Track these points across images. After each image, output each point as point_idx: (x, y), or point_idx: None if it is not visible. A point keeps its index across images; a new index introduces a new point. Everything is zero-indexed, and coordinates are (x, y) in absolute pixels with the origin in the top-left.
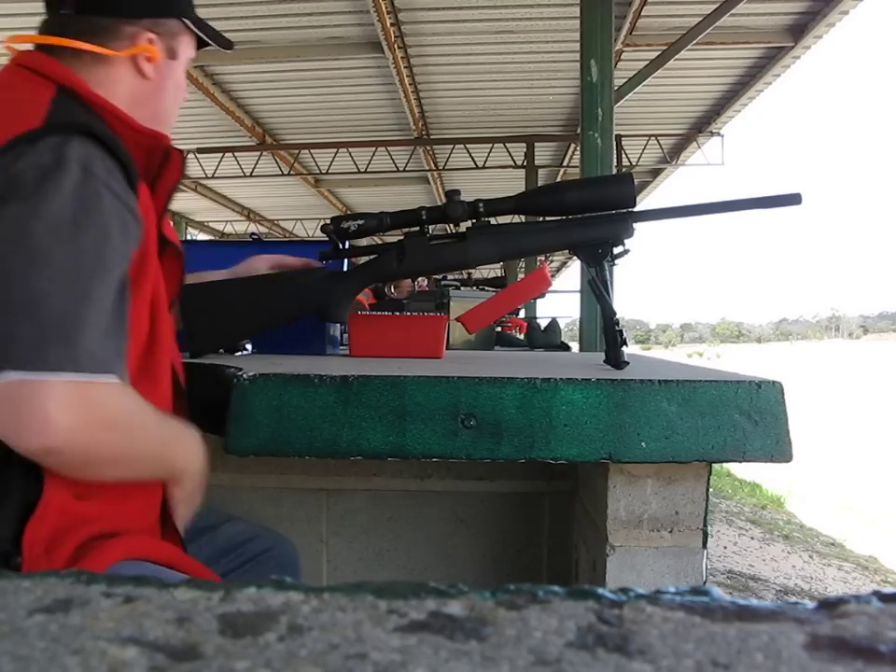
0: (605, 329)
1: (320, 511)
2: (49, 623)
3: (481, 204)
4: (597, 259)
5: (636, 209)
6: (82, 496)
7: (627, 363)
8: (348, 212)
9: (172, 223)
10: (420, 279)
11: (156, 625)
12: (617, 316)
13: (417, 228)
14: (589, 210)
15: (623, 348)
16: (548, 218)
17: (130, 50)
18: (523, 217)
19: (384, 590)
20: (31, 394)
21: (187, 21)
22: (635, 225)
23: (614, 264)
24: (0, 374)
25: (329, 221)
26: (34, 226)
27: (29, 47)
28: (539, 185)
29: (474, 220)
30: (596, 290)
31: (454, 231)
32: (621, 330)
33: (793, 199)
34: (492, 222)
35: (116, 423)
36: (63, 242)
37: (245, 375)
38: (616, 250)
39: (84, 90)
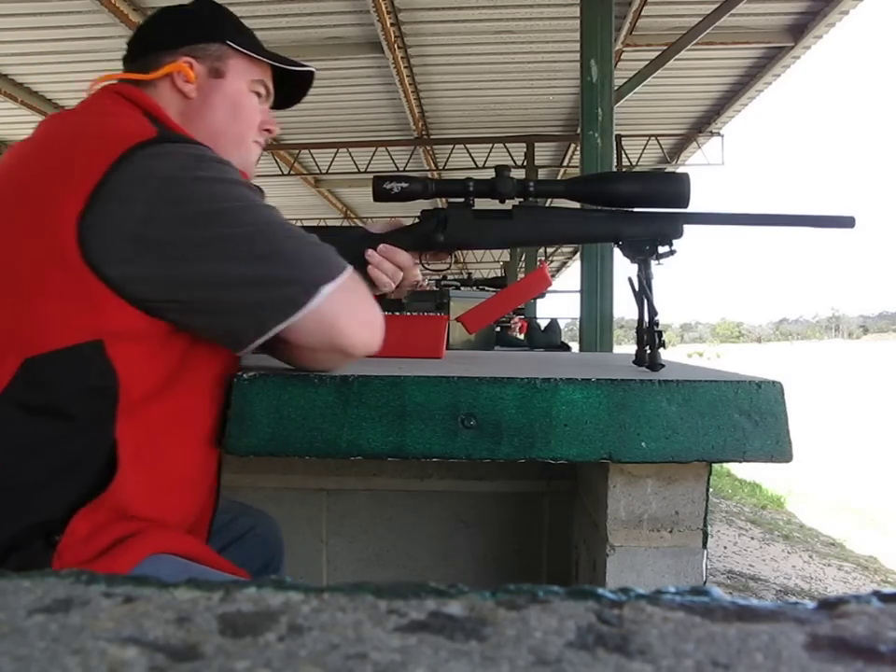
0: (643, 329)
1: (320, 511)
2: (48, 622)
3: (531, 184)
4: (643, 255)
5: (688, 210)
6: (137, 498)
7: (663, 365)
8: (349, 212)
9: None
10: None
11: (156, 625)
12: (657, 317)
13: (462, 199)
14: (640, 205)
15: (660, 350)
16: (595, 208)
17: (162, 70)
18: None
19: (384, 590)
20: (336, 311)
21: (231, 44)
22: (685, 227)
23: (660, 263)
24: (306, 306)
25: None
26: (247, 217)
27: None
28: None
29: (521, 199)
30: (638, 288)
31: (497, 209)
32: (660, 331)
33: (846, 221)
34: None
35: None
36: (262, 218)
37: (244, 375)
38: (662, 249)
39: (170, 120)
